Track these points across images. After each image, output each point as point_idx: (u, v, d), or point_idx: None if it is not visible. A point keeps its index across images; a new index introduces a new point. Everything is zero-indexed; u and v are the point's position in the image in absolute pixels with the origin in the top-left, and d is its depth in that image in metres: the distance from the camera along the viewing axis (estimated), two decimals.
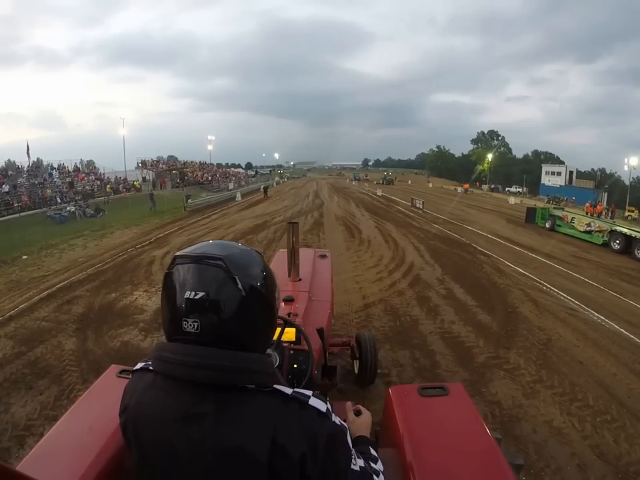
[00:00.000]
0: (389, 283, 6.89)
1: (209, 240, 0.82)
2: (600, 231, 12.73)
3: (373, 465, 0.84)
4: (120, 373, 1.43)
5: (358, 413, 1.04)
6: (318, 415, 0.69)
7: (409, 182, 54.43)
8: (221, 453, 0.64)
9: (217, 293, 0.68)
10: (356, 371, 3.43)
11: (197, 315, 0.67)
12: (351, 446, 0.74)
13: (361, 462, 0.77)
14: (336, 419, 0.72)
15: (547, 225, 15.57)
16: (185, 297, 0.68)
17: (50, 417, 3.06)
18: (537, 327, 5.09)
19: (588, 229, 13.28)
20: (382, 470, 0.86)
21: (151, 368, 0.75)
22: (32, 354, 4.20)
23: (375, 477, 0.80)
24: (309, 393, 0.71)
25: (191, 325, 0.67)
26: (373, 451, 0.90)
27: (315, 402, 0.69)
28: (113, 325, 4.97)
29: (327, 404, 0.71)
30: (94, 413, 1.23)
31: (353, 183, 51.51)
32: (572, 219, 14.47)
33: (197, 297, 0.67)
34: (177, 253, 0.74)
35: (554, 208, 17.79)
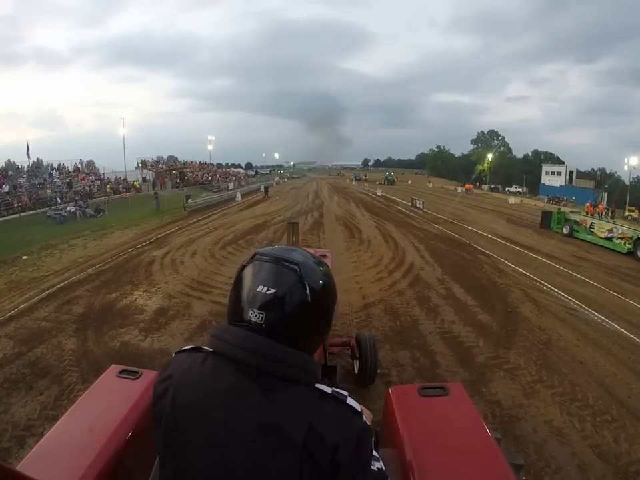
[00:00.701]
0: (389, 282, 6.90)
1: (282, 245, 0.89)
2: (623, 238, 11.59)
3: (376, 463, 0.86)
4: (120, 373, 1.43)
5: None
6: (353, 412, 0.74)
7: (409, 182, 54.42)
8: (259, 428, 0.67)
9: (287, 293, 0.74)
10: (356, 371, 3.43)
11: (263, 308, 0.74)
12: (373, 448, 0.78)
13: (378, 464, 0.81)
14: (367, 420, 0.77)
15: (565, 231, 14.01)
16: (258, 289, 0.74)
17: (50, 417, 3.06)
18: (537, 327, 5.09)
19: (609, 235, 12.17)
20: (384, 468, 0.87)
21: (203, 348, 0.79)
22: (32, 354, 4.21)
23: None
24: (346, 393, 0.76)
25: (256, 316, 0.74)
26: (374, 452, 0.91)
27: (351, 401, 0.75)
28: (113, 325, 4.97)
29: (359, 405, 0.76)
30: (94, 413, 1.23)
31: (353, 183, 51.25)
32: (591, 224, 13.22)
33: (268, 292, 0.74)
34: (259, 250, 0.82)
35: (571, 212, 15.73)
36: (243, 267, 0.80)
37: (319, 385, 0.74)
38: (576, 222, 13.97)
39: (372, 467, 0.77)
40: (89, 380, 3.47)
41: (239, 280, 0.80)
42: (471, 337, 4.69)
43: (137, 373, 1.42)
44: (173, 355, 0.84)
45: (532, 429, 3.05)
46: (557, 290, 6.85)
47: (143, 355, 4.20)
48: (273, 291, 0.74)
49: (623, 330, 5.17)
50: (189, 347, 0.83)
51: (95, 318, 5.24)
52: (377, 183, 46.74)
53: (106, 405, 1.28)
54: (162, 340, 4.55)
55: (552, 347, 4.53)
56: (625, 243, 11.52)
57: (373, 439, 0.78)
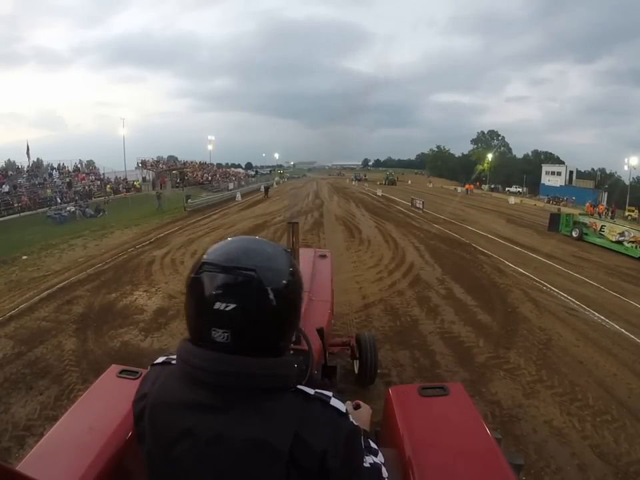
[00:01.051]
0: (388, 282, 6.90)
1: (236, 237, 0.78)
2: (635, 242, 11.07)
3: (374, 457, 0.87)
4: (120, 373, 1.43)
5: (357, 407, 1.06)
6: (338, 414, 0.70)
7: (409, 182, 54.36)
8: (245, 444, 0.64)
9: (249, 305, 0.68)
10: (356, 370, 3.43)
11: (226, 326, 0.67)
12: (363, 445, 0.77)
13: (370, 459, 0.81)
14: (353, 420, 0.74)
15: (574, 234, 13.35)
16: (215, 307, 0.67)
17: (50, 417, 3.06)
18: (537, 327, 5.09)
19: (620, 238, 11.59)
20: (383, 462, 0.88)
21: (173, 362, 0.75)
22: (32, 354, 4.21)
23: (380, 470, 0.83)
24: (330, 393, 0.73)
25: (220, 335, 0.67)
26: (372, 444, 0.93)
27: (335, 402, 0.71)
28: (113, 325, 4.97)
29: (345, 405, 0.73)
30: (94, 413, 1.23)
31: (353, 183, 51.14)
32: (601, 227, 12.63)
33: (227, 308, 0.67)
34: (205, 258, 0.71)
35: (580, 214, 15.10)
36: (193, 280, 0.71)
37: (301, 387, 0.71)
38: (585, 224, 13.37)
39: (364, 464, 0.75)
40: (89, 380, 3.47)
41: (190, 295, 0.71)
42: (470, 337, 4.69)
43: (137, 372, 1.42)
44: (149, 367, 0.80)
45: (532, 429, 3.05)
46: (557, 290, 6.85)
47: (143, 355, 4.20)
48: (232, 306, 0.66)
49: (622, 330, 5.17)
50: (163, 358, 0.79)
51: (95, 318, 5.24)
52: (378, 183, 46.27)
53: (106, 405, 1.28)
54: (162, 340, 4.56)
55: (552, 347, 4.53)
56: (637, 247, 10.98)
57: (362, 436, 0.76)
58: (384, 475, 0.84)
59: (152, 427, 0.71)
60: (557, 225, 14.58)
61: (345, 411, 0.71)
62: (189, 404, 0.68)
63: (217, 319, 0.67)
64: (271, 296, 0.68)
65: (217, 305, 0.67)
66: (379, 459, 0.88)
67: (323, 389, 0.73)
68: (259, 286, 0.68)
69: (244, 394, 0.67)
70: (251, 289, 0.68)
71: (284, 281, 0.72)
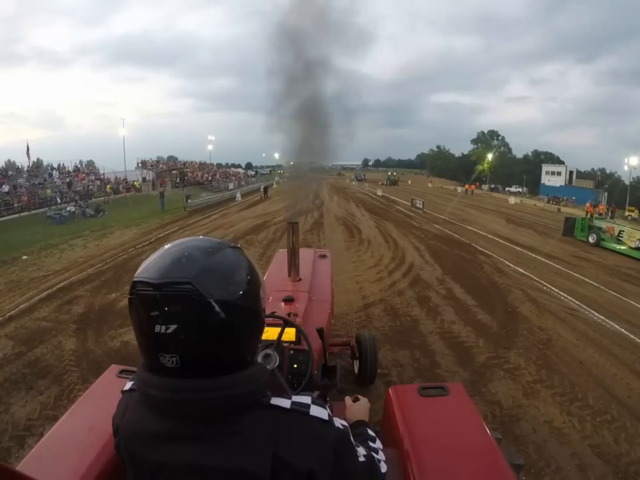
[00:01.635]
0: (389, 282, 6.89)
1: (173, 243, 0.69)
2: None
3: (371, 444, 0.86)
4: (120, 372, 1.43)
5: (356, 400, 1.09)
6: (321, 424, 0.65)
7: (409, 182, 54.33)
8: (220, 473, 0.60)
9: (192, 323, 0.59)
10: (356, 370, 3.43)
11: (172, 351, 0.60)
12: (354, 443, 0.74)
13: (363, 450, 0.78)
14: (337, 423, 0.70)
15: (591, 240, 12.17)
16: (155, 331, 0.60)
17: (50, 417, 3.06)
18: (537, 327, 5.09)
19: None
20: (381, 448, 0.88)
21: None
22: (32, 354, 4.20)
23: (375, 455, 0.81)
24: (308, 400, 0.67)
25: (169, 361, 0.61)
26: (370, 431, 0.92)
27: (315, 411, 0.66)
28: (113, 325, 4.97)
29: (327, 409, 0.68)
30: (94, 413, 1.23)
31: (354, 183, 50.85)
32: (619, 232, 11.59)
33: (168, 331, 0.59)
34: (136, 277, 0.64)
35: (596, 218, 13.92)
36: (130, 302, 0.65)
37: (275, 401, 0.64)
38: (601, 229, 12.26)
39: (359, 458, 0.73)
40: (89, 380, 3.47)
41: (131, 319, 0.66)
42: (471, 336, 4.69)
43: None
44: (121, 394, 0.76)
45: (532, 429, 3.05)
46: (557, 290, 6.85)
47: None
48: (173, 327, 0.59)
49: (623, 330, 5.16)
50: (130, 384, 0.74)
51: (95, 318, 5.24)
52: (379, 183, 45.37)
53: (106, 405, 1.27)
54: None
55: (552, 347, 4.52)
56: None
57: (351, 435, 0.73)
58: (381, 459, 0.83)
59: (130, 461, 0.68)
60: (572, 230, 13.37)
61: (327, 417, 0.67)
62: (158, 435, 0.62)
63: (160, 344, 0.61)
64: (217, 308, 0.60)
65: (157, 328, 0.60)
66: (377, 445, 0.87)
67: (321, 390, 0.71)
68: (200, 299, 0.59)
69: (210, 419, 0.61)
70: (191, 305, 0.59)
71: (232, 288, 0.63)
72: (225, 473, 0.60)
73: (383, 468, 0.83)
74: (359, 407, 1.06)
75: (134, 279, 0.64)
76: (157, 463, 0.63)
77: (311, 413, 0.65)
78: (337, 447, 0.66)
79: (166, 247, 0.68)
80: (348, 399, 1.10)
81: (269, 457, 0.60)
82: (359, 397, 1.11)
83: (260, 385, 0.65)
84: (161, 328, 0.59)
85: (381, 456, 0.84)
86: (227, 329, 0.62)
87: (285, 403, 0.65)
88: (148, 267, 0.64)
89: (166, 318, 0.59)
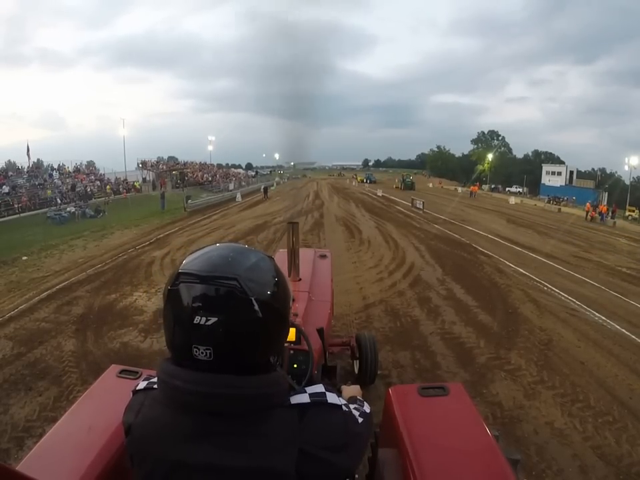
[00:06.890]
0: (389, 283, 6.89)
1: (215, 244, 0.73)
2: None
3: (361, 406, 0.89)
4: (120, 373, 1.43)
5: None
6: (335, 409, 0.70)
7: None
8: (241, 471, 0.61)
9: (231, 317, 0.62)
10: (356, 371, 3.42)
11: (208, 342, 0.62)
12: (355, 415, 0.77)
13: (356, 412, 0.81)
14: (343, 404, 0.74)
15: None
16: (195, 322, 0.61)
17: (49, 419, 3.05)
18: (538, 328, 5.08)
19: None
20: (370, 410, 0.90)
21: (156, 387, 0.70)
22: (31, 355, 4.20)
23: (362, 408, 0.85)
24: (322, 388, 0.71)
25: (202, 353, 0.62)
26: (359, 397, 0.98)
27: (331, 398, 0.70)
28: (112, 326, 4.96)
29: (336, 392, 0.73)
30: (94, 413, 1.22)
31: (354, 183, 49.40)
32: None
33: (208, 322, 0.61)
34: (182, 268, 0.66)
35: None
36: (169, 292, 0.65)
37: (294, 399, 0.67)
38: None
39: (359, 421, 0.77)
40: (89, 381, 3.46)
41: (168, 309, 0.66)
42: (471, 337, 4.68)
43: (137, 372, 1.41)
44: (131, 394, 0.76)
45: (533, 430, 3.04)
46: (557, 290, 6.84)
47: (142, 355, 4.19)
48: (213, 319, 0.61)
49: (624, 330, 5.15)
50: (145, 383, 0.74)
51: (95, 319, 5.23)
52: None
53: (106, 405, 1.27)
54: (162, 341, 4.53)
55: (553, 348, 4.51)
56: None
57: (351, 405, 0.78)
58: (366, 410, 0.86)
59: (142, 460, 0.67)
60: None
61: (339, 402, 0.71)
62: (177, 433, 0.62)
63: (197, 335, 0.62)
64: (256, 307, 0.63)
65: (197, 319, 0.61)
66: (366, 407, 0.90)
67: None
68: (242, 296, 0.62)
69: (236, 417, 0.62)
70: (234, 300, 0.62)
71: (269, 291, 0.67)
72: (246, 472, 0.61)
73: (367, 408, 0.87)
74: (352, 389, 1.11)
75: (179, 271, 0.66)
76: (174, 462, 0.63)
77: (328, 401, 0.69)
78: (347, 427, 0.70)
79: (210, 246, 0.73)
80: (344, 389, 1.16)
81: (294, 453, 0.62)
82: (349, 382, 1.19)
83: (283, 388, 0.68)
84: (200, 319, 0.62)
85: (365, 407, 0.88)
86: (261, 327, 0.65)
87: (304, 398, 0.68)
88: (194, 262, 0.67)
89: (208, 310, 0.62)
